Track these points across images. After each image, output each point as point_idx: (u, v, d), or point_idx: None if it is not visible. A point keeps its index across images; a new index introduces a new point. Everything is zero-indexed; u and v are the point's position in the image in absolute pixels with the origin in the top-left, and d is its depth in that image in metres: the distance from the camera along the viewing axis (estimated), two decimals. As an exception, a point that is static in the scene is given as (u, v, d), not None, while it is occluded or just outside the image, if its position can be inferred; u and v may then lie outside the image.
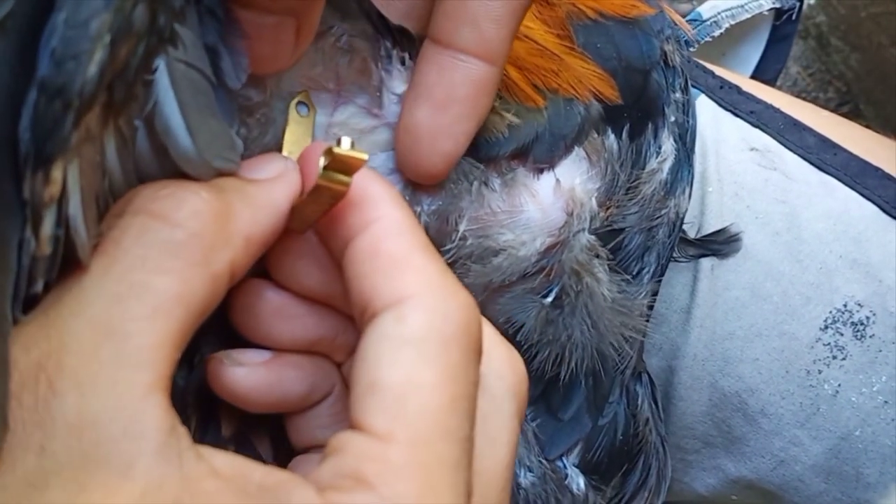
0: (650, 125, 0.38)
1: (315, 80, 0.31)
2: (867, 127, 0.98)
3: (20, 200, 0.23)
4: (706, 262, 0.45)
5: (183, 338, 0.24)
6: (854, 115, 0.99)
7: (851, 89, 1.00)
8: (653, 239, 0.38)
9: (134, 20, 0.23)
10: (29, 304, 0.24)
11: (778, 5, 0.79)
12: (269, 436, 0.32)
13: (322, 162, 0.26)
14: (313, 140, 0.31)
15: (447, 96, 0.30)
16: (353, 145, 0.26)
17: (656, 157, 0.38)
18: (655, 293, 0.40)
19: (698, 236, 0.45)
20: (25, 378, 0.22)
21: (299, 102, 0.31)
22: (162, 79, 0.25)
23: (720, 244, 0.45)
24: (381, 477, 0.23)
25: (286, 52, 0.27)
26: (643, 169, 0.37)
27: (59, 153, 0.23)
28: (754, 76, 0.88)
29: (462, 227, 0.34)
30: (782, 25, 0.81)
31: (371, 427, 0.24)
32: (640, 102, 0.37)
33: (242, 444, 0.32)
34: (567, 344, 0.36)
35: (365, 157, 0.26)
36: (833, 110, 1.01)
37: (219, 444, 0.31)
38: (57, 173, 0.23)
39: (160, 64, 0.25)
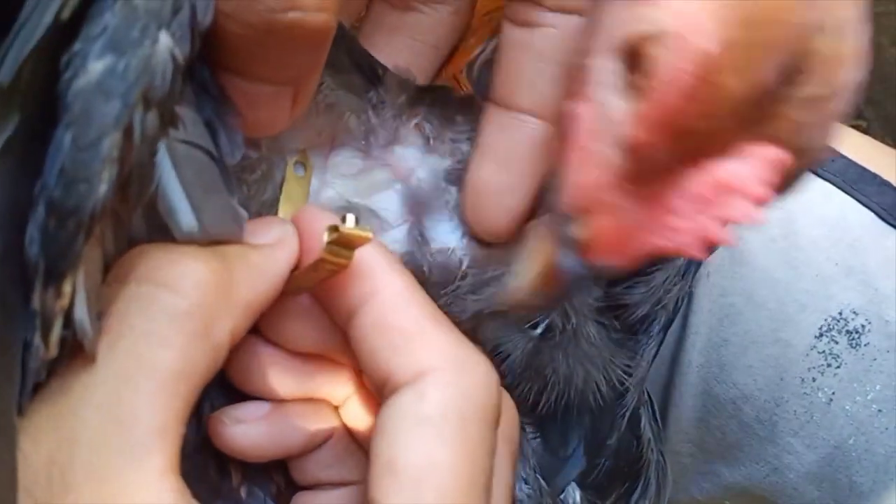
0: None
1: (304, 133, 0.32)
2: (867, 128, 0.97)
3: (26, 309, 0.23)
4: (701, 269, 0.45)
5: (187, 410, 0.24)
6: (854, 115, 0.99)
7: (851, 89, 0.99)
8: (664, 311, 0.38)
9: (146, 129, 0.23)
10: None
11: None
12: (280, 470, 0.32)
13: (326, 237, 0.26)
14: (309, 199, 0.32)
15: (509, 155, 0.31)
16: (357, 222, 0.26)
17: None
18: (660, 346, 0.40)
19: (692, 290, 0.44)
20: (38, 473, 0.22)
21: (296, 162, 0.31)
22: (163, 161, 0.25)
23: None
24: None
25: (283, 117, 0.27)
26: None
27: (70, 270, 0.23)
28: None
29: (465, 266, 0.34)
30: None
31: None
32: None
33: (255, 483, 0.32)
34: (551, 377, 0.36)
35: (370, 235, 0.26)
36: (833, 110, 1.00)
37: (231, 488, 0.31)
38: (67, 287, 0.23)
39: (161, 147, 0.24)
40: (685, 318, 0.45)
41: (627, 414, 0.39)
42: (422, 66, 0.33)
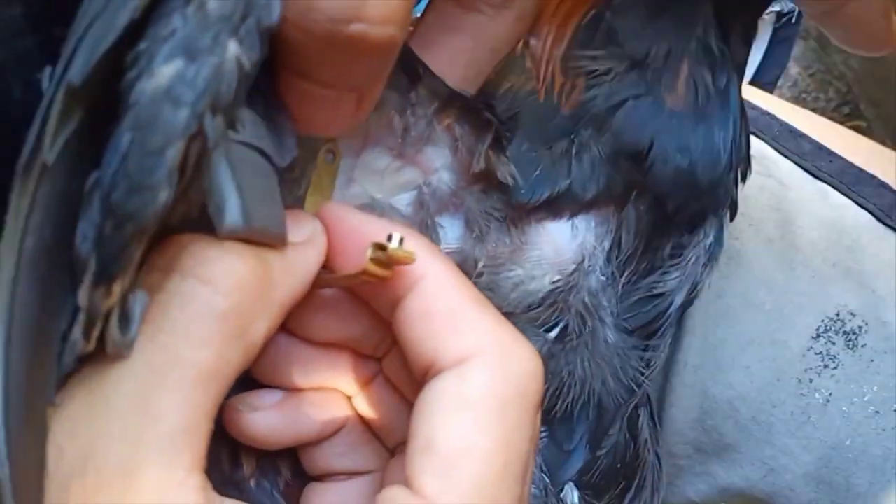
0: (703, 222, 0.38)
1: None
2: (867, 128, 0.97)
3: (66, 302, 0.23)
4: (698, 270, 0.45)
5: (216, 408, 0.25)
6: (854, 115, 0.99)
7: (852, 90, 0.99)
8: (695, 296, 0.38)
9: (209, 136, 0.23)
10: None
11: (778, 8, 0.78)
12: (291, 460, 0.33)
13: (370, 253, 0.26)
14: (336, 187, 0.32)
15: None
16: (401, 242, 0.26)
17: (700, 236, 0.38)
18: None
19: None
20: (74, 467, 0.23)
21: (327, 150, 0.31)
22: (219, 162, 0.24)
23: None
24: None
25: (344, 121, 0.27)
26: (680, 239, 0.37)
27: (122, 272, 0.23)
28: (755, 78, 0.88)
29: (481, 265, 0.34)
30: (783, 28, 0.81)
31: (422, 488, 0.25)
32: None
33: (267, 473, 0.32)
34: (567, 379, 0.36)
35: (414, 257, 0.27)
36: (833, 111, 1.01)
37: (242, 477, 0.32)
38: (117, 288, 0.23)
39: (218, 148, 0.24)
40: (680, 318, 0.45)
41: (630, 407, 0.39)
42: (478, 67, 0.32)
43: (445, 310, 0.27)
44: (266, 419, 0.30)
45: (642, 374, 0.38)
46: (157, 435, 0.23)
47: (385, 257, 0.26)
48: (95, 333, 0.23)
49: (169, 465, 0.23)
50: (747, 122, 0.38)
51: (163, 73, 0.21)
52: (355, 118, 0.27)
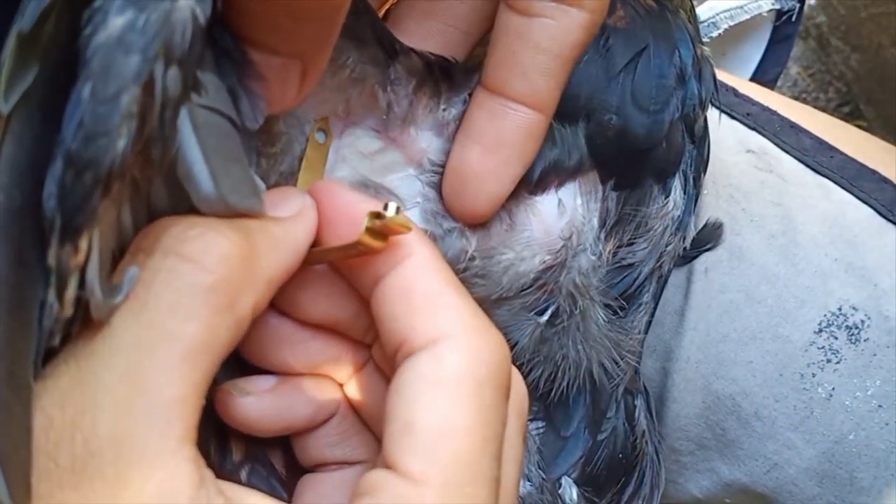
0: (661, 176, 0.38)
1: (326, 107, 0.32)
2: (867, 128, 0.98)
3: (41, 266, 0.23)
4: (699, 265, 0.45)
5: (207, 383, 0.25)
6: (854, 115, 0.99)
7: (852, 90, 1.00)
8: (660, 271, 0.39)
9: (167, 87, 0.23)
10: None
11: (778, 6, 0.78)
12: (283, 451, 0.33)
13: (367, 222, 0.26)
14: (326, 166, 0.32)
15: (496, 141, 0.31)
16: (398, 211, 0.26)
17: (666, 198, 0.38)
18: (652, 315, 0.40)
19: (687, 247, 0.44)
20: (61, 437, 0.23)
21: (318, 129, 0.31)
22: (184, 125, 0.25)
23: (708, 241, 0.44)
24: None
25: (291, 93, 0.27)
26: (649, 207, 0.37)
27: (87, 225, 0.23)
28: (755, 77, 0.88)
29: (472, 249, 0.34)
30: (783, 26, 0.81)
31: (406, 469, 0.25)
32: (642, 170, 0.37)
33: (257, 461, 0.32)
34: (561, 363, 0.36)
35: (412, 225, 0.27)
36: (833, 110, 1.01)
37: (233, 466, 0.32)
38: (84, 243, 0.23)
39: (182, 111, 0.25)
40: (682, 314, 0.45)
41: (622, 388, 0.39)
42: (453, 51, 0.33)
43: (425, 290, 0.27)
44: (258, 404, 0.30)
45: (633, 350, 0.38)
46: (147, 406, 0.23)
47: (381, 226, 0.26)
48: (69, 295, 0.23)
49: (160, 436, 0.23)
50: (703, 63, 0.38)
51: (115, 23, 0.22)
52: (300, 91, 0.27)
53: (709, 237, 0.44)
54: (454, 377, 0.26)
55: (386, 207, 0.26)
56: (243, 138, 0.27)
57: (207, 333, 0.24)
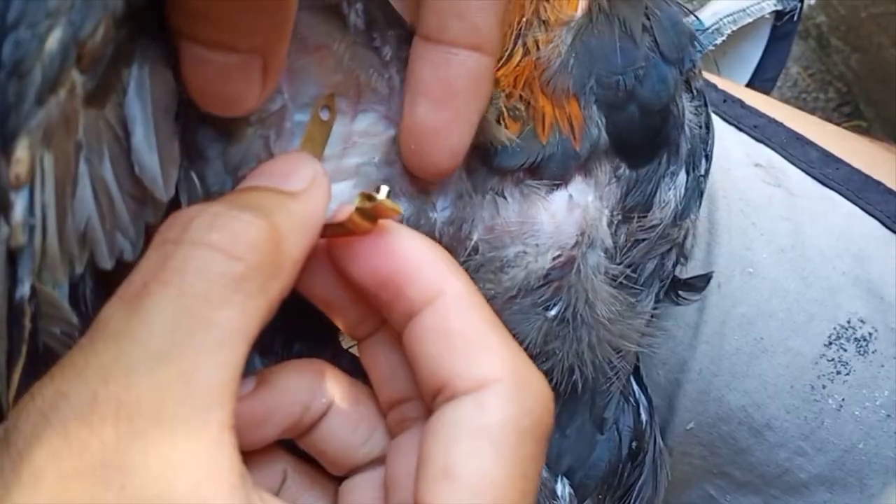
0: (663, 158, 0.38)
1: (335, 87, 0.32)
2: (867, 128, 0.98)
3: None
4: (713, 281, 0.46)
5: (242, 367, 0.25)
6: (854, 115, 1.00)
7: (852, 90, 1.00)
8: (662, 263, 0.39)
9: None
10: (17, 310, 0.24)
11: (780, 7, 0.79)
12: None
13: (357, 202, 0.26)
14: (327, 142, 0.31)
15: (445, 92, 0.30)
16: (388, 195, 0.26)
17: (670, 189, 0.38)
18: (656, 309, 0.41)
19: (684, 276, 0.44)
20: (106, 413, 0.23)
21: (323, 106, 0.31)
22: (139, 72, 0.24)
23: (698, 287, 0.44)
24: None
25: (254, 92, 0.27)
26: (654, 198, 0.38)
27: (22, 130, 0.22)
28: (755, 76, 0.88)
29: (475, 237, 0.34)
30: (783, 24, 0.81)
31: None
32: (656, 139, 0.38)
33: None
34: (566, 359, 0.36)
35: (400, 209, 0.27)
36: (833, 110, 1.01)
37: None
38: (22, 152, 0.22)
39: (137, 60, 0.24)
40: (696, 327, 0.46)
41: (624, 382, 0.39)
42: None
43: (464, 330, 0.27)
44: (243, 409, 0.28)
45: (638, 343, 0.38)
46: (189, 391, 0.23)
47: (371, 208, 0.26)
48: (17, 217, 0.22)
49: (203, 422, 0.23)
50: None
51: None
52: (263, 89, 0.27)
53: (700, 285, 0.44)
54: (497, 427, 0.26)
55: (378, 190, 0.26)
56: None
57: (243, 319, 0.24)
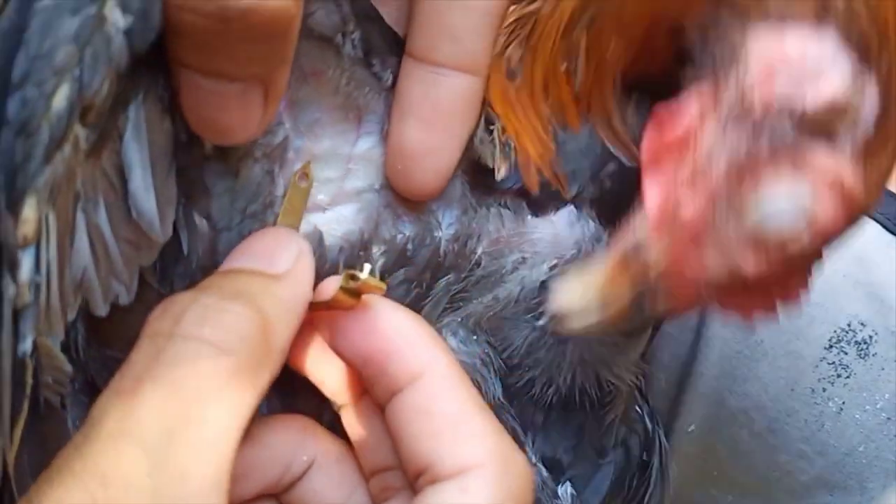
0: None
1: (335, 111, 0.31)
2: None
3: None
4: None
5: (233, 461, 0.25)
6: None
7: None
8: None
9: (113, 54, 0.22)
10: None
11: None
12: None
13: (342, 282, 0.27)
14: (306, 208, 0.32)
15: (434, 112, 0.29)
16: (372, 272, 0.27)
17: None
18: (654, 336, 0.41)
19: None
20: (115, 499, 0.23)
21: (301, 174, 0.31)
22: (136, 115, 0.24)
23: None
24: None
25: (254, 119, 0.26)
26: None
27: (30, 189, 0.22)
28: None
29: (480, 251, 0.34)
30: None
31: None
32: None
33: None
34: (552, 369, 0.36)
35: (384, 287, 0.27)
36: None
37: None
38: (30, 212, 0.22)
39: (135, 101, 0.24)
40: (698, 331, 0.46)
41: (622, 394, 0.39)
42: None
43: (447, 412, 0.27)
44: None
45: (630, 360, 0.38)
46: (184, 493, 0.23)
47: (356, 286, 0.27)
48: (24, 276, 0.22)
49: None
50: None
51: None
52: (265, 116, 0.26)
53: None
54: None
55: (361, 269, 0.27)
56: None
57: (233, 417, 0.24)
